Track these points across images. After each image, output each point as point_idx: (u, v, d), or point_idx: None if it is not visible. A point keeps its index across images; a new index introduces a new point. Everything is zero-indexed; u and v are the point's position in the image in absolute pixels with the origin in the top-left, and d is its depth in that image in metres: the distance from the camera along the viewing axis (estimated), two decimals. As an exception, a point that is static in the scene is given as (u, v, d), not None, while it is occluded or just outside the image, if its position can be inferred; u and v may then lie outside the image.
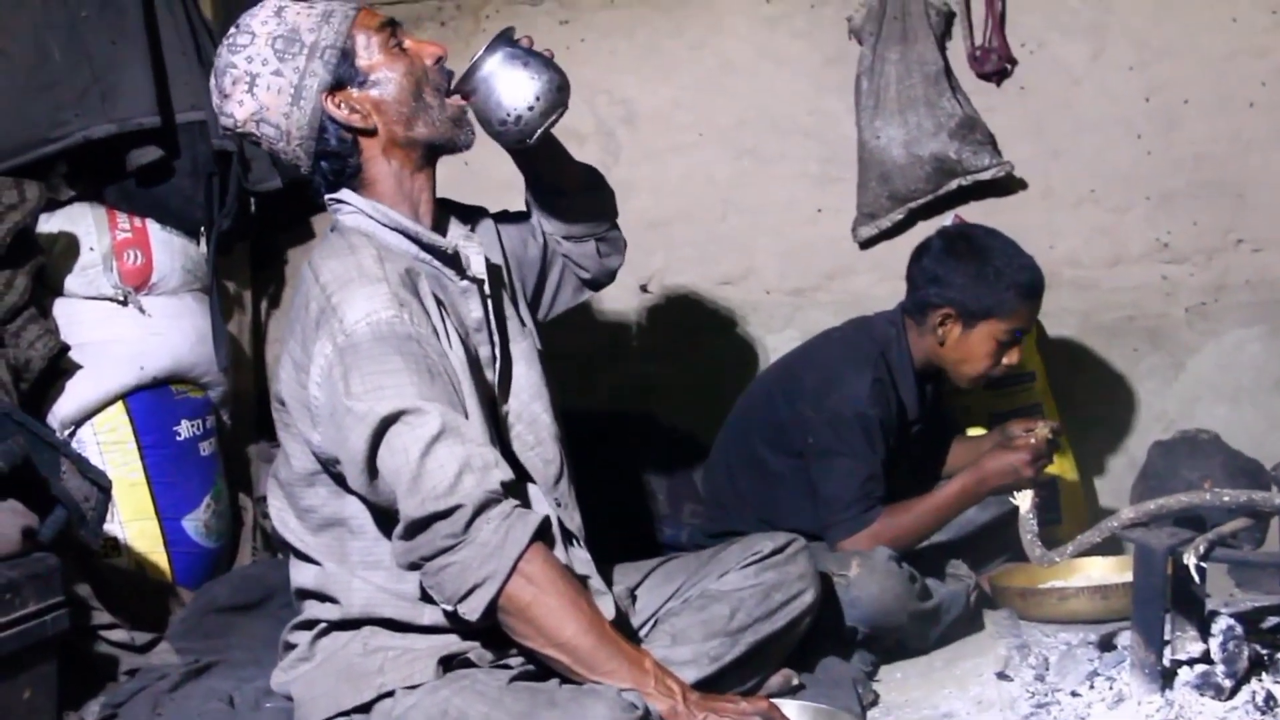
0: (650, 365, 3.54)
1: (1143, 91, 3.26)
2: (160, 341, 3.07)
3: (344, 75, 1.96)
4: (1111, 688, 2.03)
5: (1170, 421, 3.28)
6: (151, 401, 3.04)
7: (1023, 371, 3.09)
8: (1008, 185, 3.30)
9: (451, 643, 1.92)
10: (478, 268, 2.03)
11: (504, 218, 2.28)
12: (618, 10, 3.51)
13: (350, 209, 2.00)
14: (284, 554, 2.16)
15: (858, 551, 2.49)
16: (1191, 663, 1.95)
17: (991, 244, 2.71)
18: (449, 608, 1.82)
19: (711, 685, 2.01)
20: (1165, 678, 1.95)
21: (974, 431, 3.06)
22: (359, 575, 1.95)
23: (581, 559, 2.02)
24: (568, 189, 2.25)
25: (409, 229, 1.99)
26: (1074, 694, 2.09)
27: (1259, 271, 3.24)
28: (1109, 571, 2.75)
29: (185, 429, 3.09)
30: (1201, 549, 1.89)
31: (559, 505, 2.04)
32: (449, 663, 1.89)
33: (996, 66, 3.27)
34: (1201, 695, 1.91)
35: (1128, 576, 2.12)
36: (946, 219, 3.25)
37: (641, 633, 2.12)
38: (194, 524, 3.07)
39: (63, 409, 2.92)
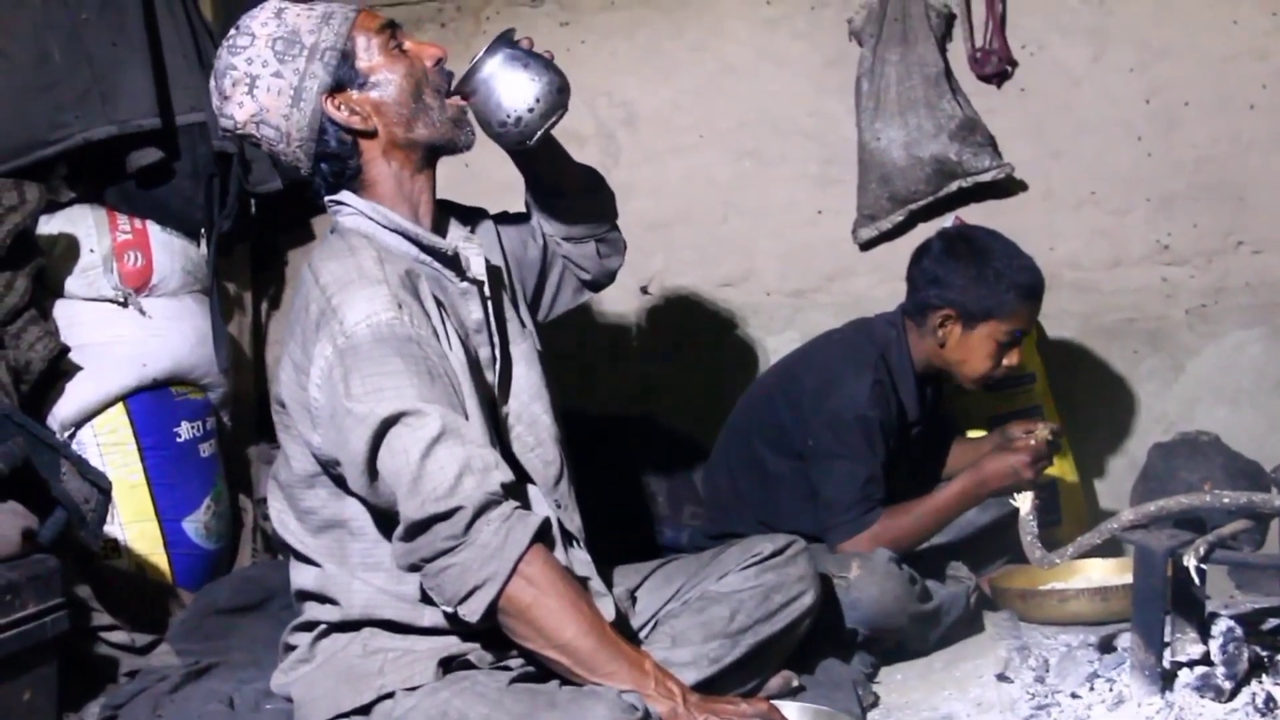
0: (650, 367, 3.54)
1: (1143, 93, 3.26)
2: (160, 343, 3.07)
3: (344, 77, 1.96)
4: (1111, 689, 2.03)
5: (1170, 423, 3.28)
6: (152, 403, 3.04)
7: (1023, 373, 3.09)
8: (1008, 187, 3.30)
9: (451, 644, 1.92)
10: (478, 269, 2.03)
11: (504, 219, 2.28)
12: (618, 12, 3.51)
13: (350, 210, 2.00)
14: (284, 555, 2.17)
15: (858, 553, 2.49)
16: (1191, 664, 1.95)
17: (992, 245, 2.71)
18: (449, 609, 1.82)
19: (711, 687, 2.01)
20: (1165, 679, 1.94)
21: (974, 433, 3.06)
22: (359, 577, 1.95)
23: (581, 560, 2.02)
24: (568, 190, 2.25)
25: (409, 230, 1.99)
26: (1074, 696, 2.09)
27: (1259, 274, 3.24)
28: (1109, 573, 2.75)
29: (185, 430, 3.09)
30: (1201, 551, 1.89)
31: (559, 507, 2.04)
32: (449, 664, 1.90)
33: (997, 68, 3.27)
34: (1201, 697, 1.91)
35: (1128, 578, 2.12)
36: (947, 221, 3.25)
37: (641, 634, 2.12)
38: (194, 525, 3.07)
39: (63, 410, 2.92)
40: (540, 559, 1.80)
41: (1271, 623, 2.28)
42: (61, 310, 3.00)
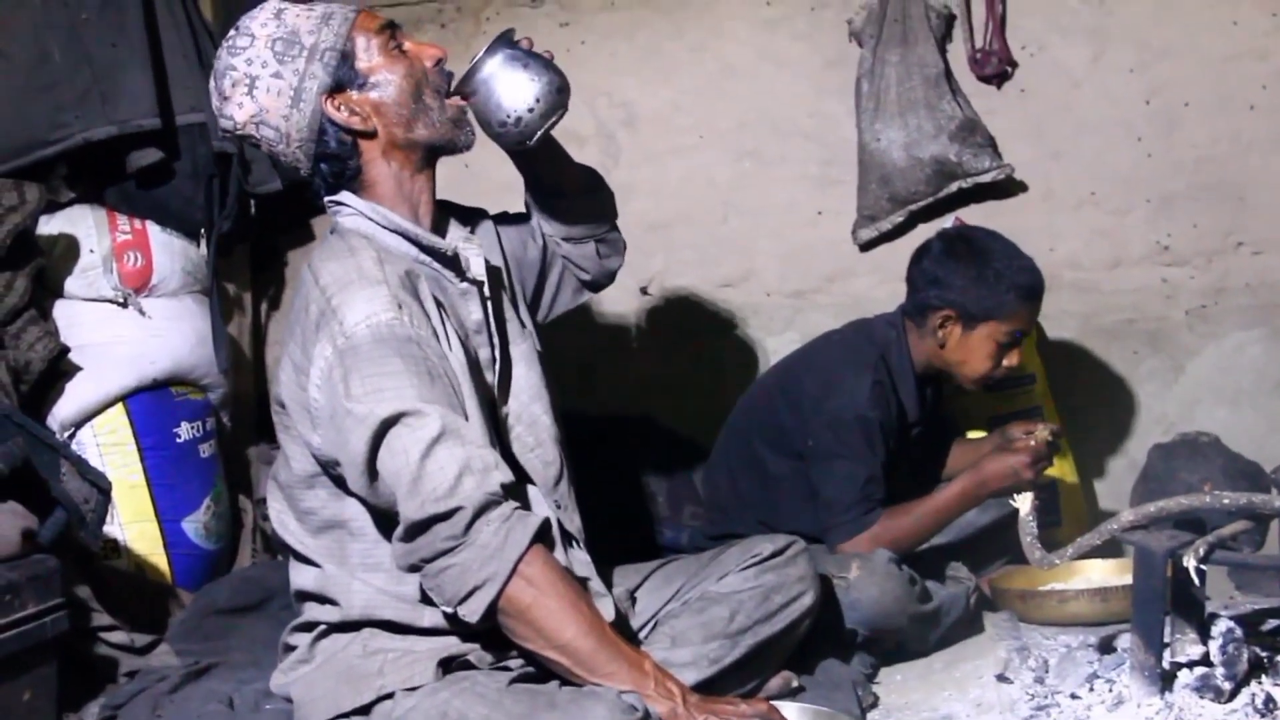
0: (650, 367, 3.54)
1: (1143, 94, 3.26)
2: (160, 343, 3.07)
3: (344, 77, 1.96)
4: (1111, 690, 2.03)
5: (1170, 424, 3.28)
6: (151, 403, 3.04)
7: (1023, 374, 3.09)
8: (1008, 188, 3.30)
9: (451, 645, 1.92)
10: (477, 269, 2.03)
11: (504, 219, 2.28)
12: (618, 13, 3.51)
13: (350, 211, 2.00)
14: (284, 556, 2.16)
15: (857, 554, 2.49)
16: (1191, 665, 1.95)
17: (992, 246, 2.71)
18: (449, 610, 1.82)
19: (711, 687, 2.01)
20: (1165, 680, 1.95)
21: (974, 434, 3.06)
22: (359, 577, 1.95)
23: (581, 561, 2.02)
24: (567, 191, 2.25)
25: (409, 231, 1.99)
26: (1073, 696, 2.09)
27: (1259, 274, 3.24)
28: (1109, 574, 2.75)
29: (185, 431, 3.09)
30: (1201, 552, 1.89)
31: (559, 507, 2.04)
32: (449, 664, 1.90)
33: (997, 69, 3.27)
34: (1201, 698, 1.91)
35: (1127, 579, 2.12)
36: (947, 221, 3.25)
37: (641, 635, 2.12)
38: (194, 526, 3.07)
39: (62, 411, 2.92)
40: (540, 559, 1.79)
41: (1271, 624, 2.28)
42: (61, 310, 3.00)
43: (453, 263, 2.02)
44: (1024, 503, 2.12)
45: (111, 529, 2.90)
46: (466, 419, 1.85)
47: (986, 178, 3.22)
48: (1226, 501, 1.98)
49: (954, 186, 3.23)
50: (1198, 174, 3.24)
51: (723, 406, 3.02)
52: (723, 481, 2.90)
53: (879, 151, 3.24)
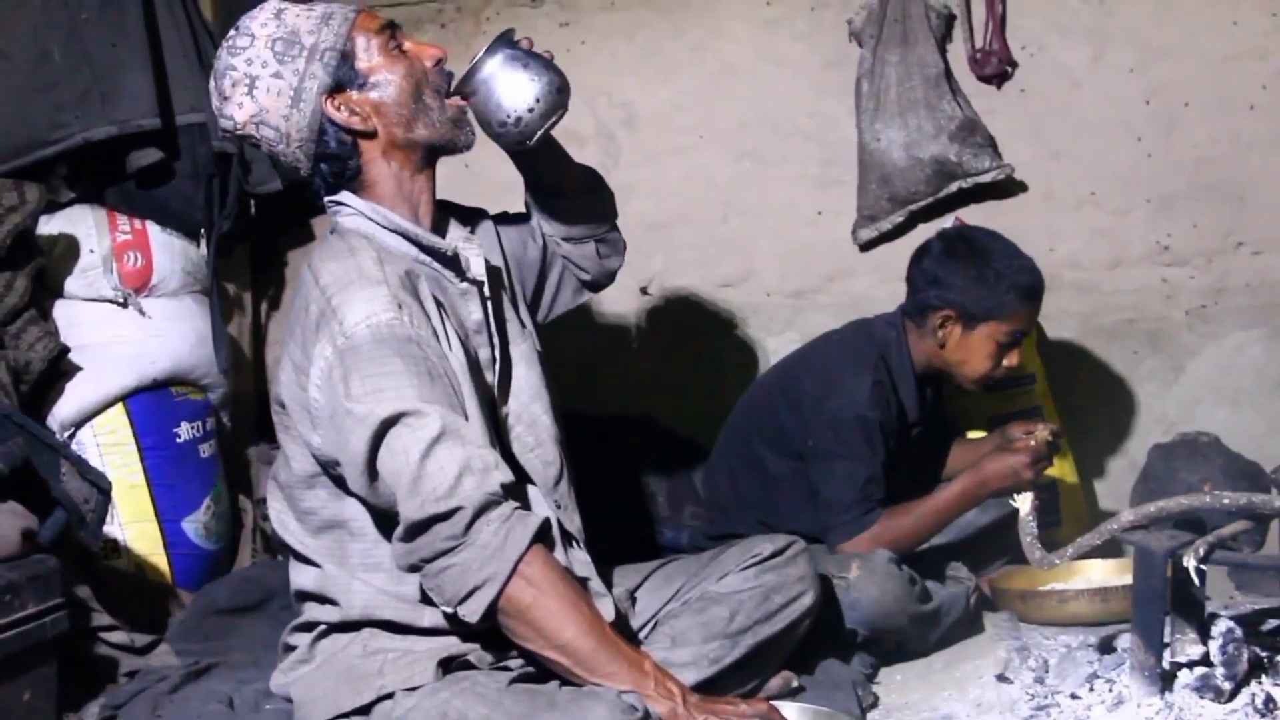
0: (650, 367, 3.54)
1: (1143, 94, 3.26)
2: (160, 343, 3.07)
3: (343, 77, 1.96)
4: (1111, 690, 2.03)
5: (1170, 424, 3.28)
6: (151, 403, 3.04)
7: (1023, 374, 3.09)
8: (1008, 188, 3.30)
9: (451, 645, 1.92)
10: (477, 269, 2.03)
11: (504, 219, 2.28)
12: (618, 13, 3.51)
13: (350, 211, 2.00)
14: (284, 556, 2.16)
15: (857, 554, 2.49)
16: (1191, 665, 1.95)
17: (992, 246, 2.71)
18: (449, 610, 1.82)
19: (711, 687, 2.01)
20: (1165, 680, 1.95)
21: (974, 434, 3.06)
22: (359, 577, 1.95)
23: (581, 561, 2.02)
24: (567, 190, 2.25)
25: (409, 231, 1.99)
26: (1073, 696, 2.09)
27: (1259, 274, 3.24)
28: (1109, 574, 2.75)
29: (185, 431, 3.09)
30: (1201, 552, 1.89)
31: (559, 507, 2.04)
32: (449, 665, 1.90)
33: (997, 69, 3.27)
34: (1201, 698, 1.91)
35: (1127, 579, 2.12)
36: (947, 221, 3.25)
37: (641, 635, 2.12)
38: (194, 526, 3.07)
39: (62, 411, 2.92)
40: (540, 559, 1.79)
41: (1271, 623, 2.28)
42: (61, 310, 3.00)
43: (453, 263, 2.02)
44: (1024, 503, 2.12)
45: (111, 529, 2.91)
46: (466, 419, 1.85)
47: (986, 178, 3.22)
48: (1226, 501, 1.98)
49: (954, 186, 3.23)
50: (1198, 174, 3.24)
51: (723, 406, 3.02)
52: (723, 481, 2.90)
53: (879, 151, 3.24)
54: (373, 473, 1.81)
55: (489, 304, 2.05)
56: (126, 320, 3.05)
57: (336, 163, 1.99)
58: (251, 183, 3.18)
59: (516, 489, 1.86)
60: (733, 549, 2.24)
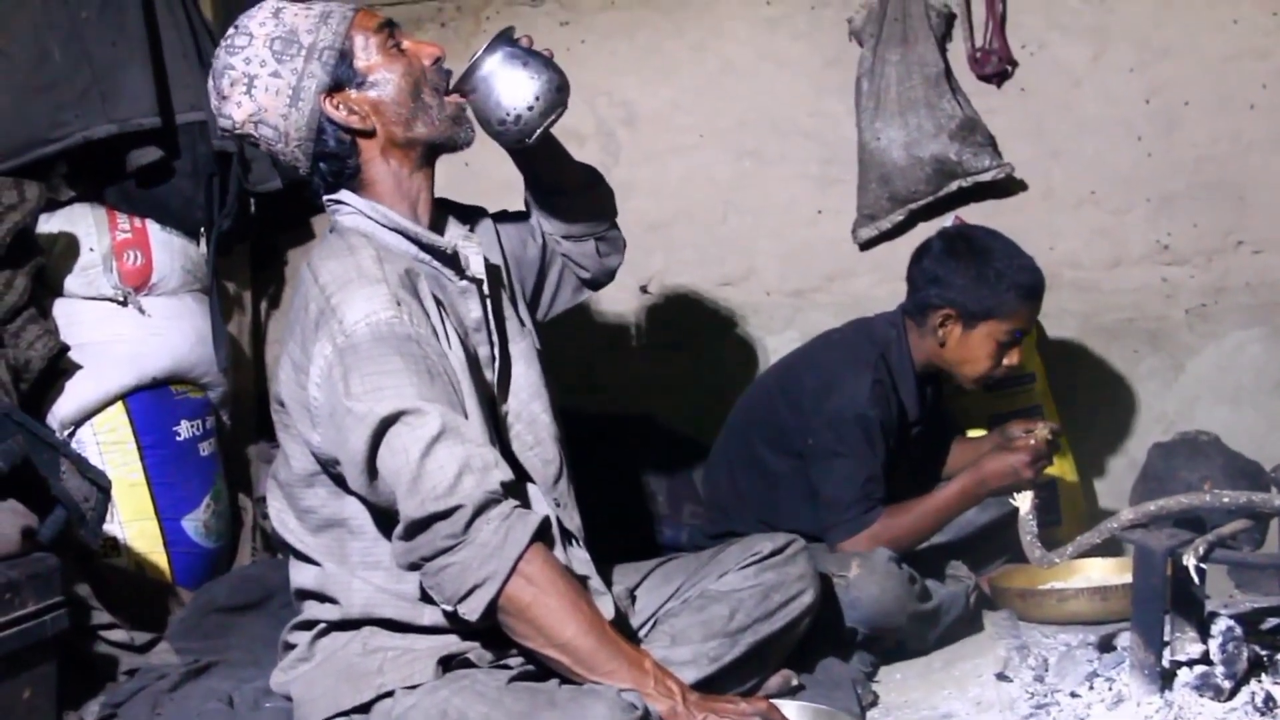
0: (650, 366, 3.54)
1: (1143, 93, 3.26)
2: (160, 342, 3.07)
3: (342, 76, 1.96)
4: (1111, 689, 2.03)
5: (1170, 423, 3.28)
6: (151, 402, 3.04)
7: (1023, 373, 3.09)
8: (1008, 187, 3.31)
9: (451, 643, 1.92)
10: (477, 267, 2.03)
11: (503, 217, 2.28)
12: (618, 11, 3.51)
13: (349, 210, 2.00)
14: (283, 554, 2.16)
15: (857, 552, 2.49)
16: (1191, 664, 1.95)
17: (992, 245, 2.71)
18: (449, 608, 1.82)
19: (711, 686, 2.01)
20: (1164, 679, 1.94)
21: (974, 433, 3.06)
22: (359, 575, 1.95)
23: (581, 559, 2.02)
24: (567, 188, 2.25)
25: (408, 229, 1.99)
26: (1073, 695, 2.09)
27: (1259, 273, 3.24)
28: (1108, 573, 2.75)
29: (185, 429, 3.09)
30: (1201, 550, 1.89)
31: (558, 505, 2.04)
32: (448, 663, 1.90)
33: (997, 68, 3.28)
34: (1201, 696, 1.91)
35: (1127, 578, 2.12)
36: (947, 220, 3.25)
37: (641, 633, 2.12)
38: (193, 524, 3.07)
39: (62, 409, 2.93)
40: (540, 558, 1.79)
41: (1271, 622, 2.27)
42: (61, 309, 3.00)
43: (452, 261, 2.02)
44: (1024, 501, 2.12)
45: (111, 527, 2.91)
46: (466, 417, 1.85)
47: (986, 177, 3.22)
48: (1226, 500, 1.98)
49: (954, 185, 3.23)
50: (1198, 173, 3.24)
51: (723, 405, 3.02)
52: (722, 480, 2.90)
53: (879, 150, 3.24)
54: (372, 471, 1.81)
55: (488, 302, 2.05)
56: (126, 319, 3.05)
57: (335, 161, 1.99)
58: (251, 181, 3.18)
59: (516, 487, 1.86)
60: (732, 547, 2.24)
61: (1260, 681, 1.94)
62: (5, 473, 2.24)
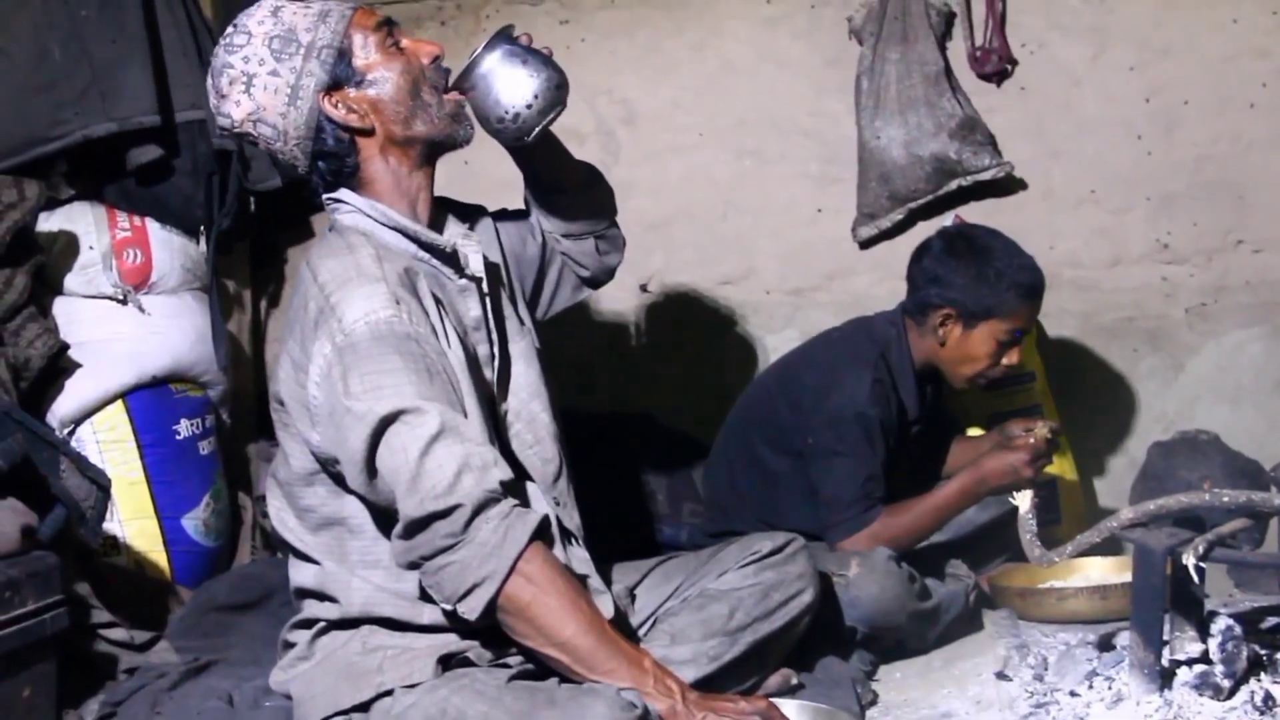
0: (650, 365, 3.54)
1: (1143, 92, 3.26)
2: (160, 340, 3.07)
3: (341, 75, 1.96)
4: (1110, 688, 2.03)
5: (1170, 422, 3.28)
6: (151, 400, 3.04)
7: (1023, 372, 3.09)
8: (1008, 186, 3.31)
9: (450, 642, 1.92)
10: (476, 266, 2.03)
11: (503, 216, 2.28)
12: (618, 10, 3.51)
13: (348, 208, 2.00)
14: (283, 553, 2.16)
15: (857, 551, 2.49)
16: (1190, 663, 1.95)
17: (992, 244, 2.71)
18: (448, 607, 1.82)
19: (710, 684, 2.01)
20: (1164, 678, 1.94)
21: (974, 432, 3.06)
22: (358, 574, 1.95)
23: (580, 558, 2.02)
24: (567, 187, 2.25)
25: (407, 228, 1.98)
26: (1073, 694, 2.09)
27: (1259, 272, 3.24)
28: (1108, 572, 2.75)
29: (185, 428, 3.09)
30: (1201, 549, 1.89)
31: (558, 504, 2.04)
32: (448, 662, 1.89)
33: (997, 67, 3.28)
34: (1200, 695, 1.91)
35: (1127, 577, 2.12)
36: (947, 219, 3.25)
37: (640, 632, 2.12)
38: (193, 523, 3.07)
39: (62, 408, 2.92)
40: (539, 557, 1.79)
41: (1270, 621, 2.27)
42: (61, 307, 3.00)
43: (451, 259, 2.01)
44: (1023, 500, 2.13)
45: (111, 526, 2.90)
46: (465, 416, 1.85)
47: (986, 175, 3.22)
48: (1226, 499, 1.98)
49: (954, 184, 3.23)
50: (1198, 172, 3.24)
51: (722, 404, 3.02)
52: (722, 479, 2.90)
53: (879, 149, 3.24)
54: (372, 470, 1.81)
55: (487, 301, 2.05)
56: (126, 317, 3.05)
57: (334, 160, 1.99)
58: (251, 180, 3.18)
59: (515, 486, 1.86)
60: (732, 546, 2.24)
61: (1260, 680, 1.95)
62: (5, 471, 2.24)
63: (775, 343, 3.44)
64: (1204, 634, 1.96)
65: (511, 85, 1.99)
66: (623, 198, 2.38)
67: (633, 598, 2.17)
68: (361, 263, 1.89)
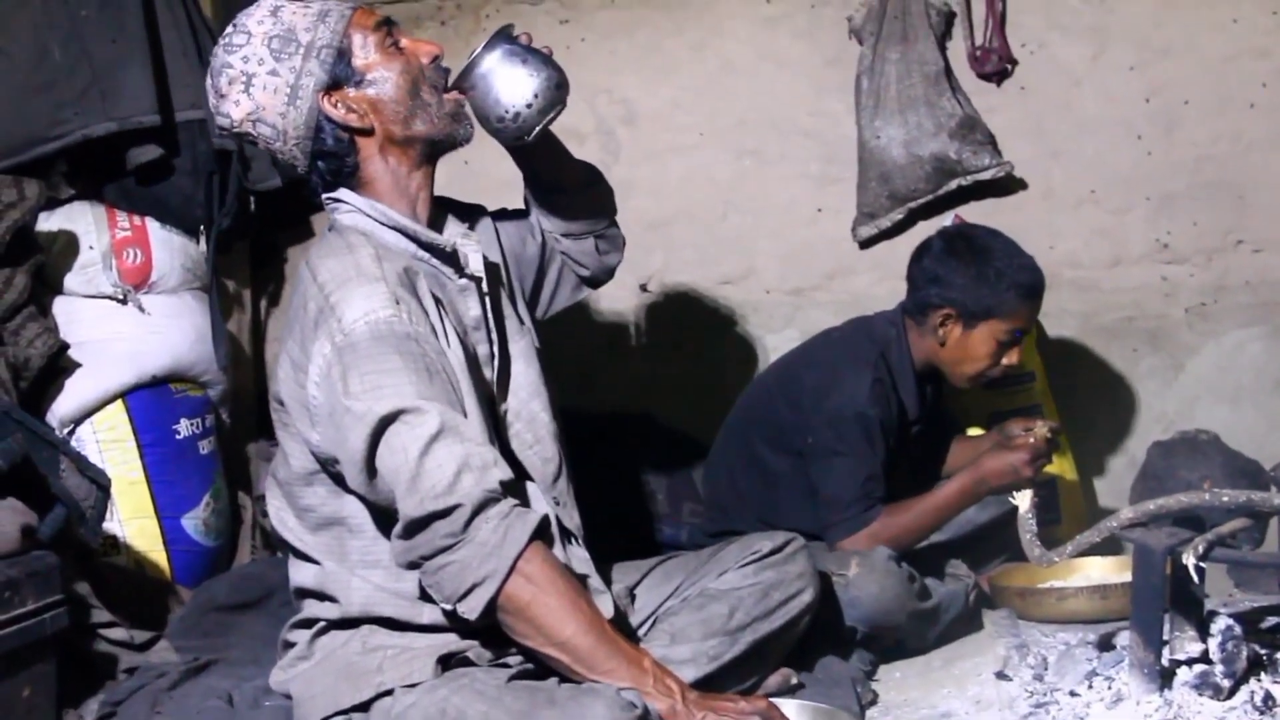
0: (650, 364, 3.54)
1: (1143, 92, 3.26)
2: (159, 340, 3.07)
3: (340, 75, 1.96)
4: (1110, 687, 2.03)
5: (1170, 422, 3.28)
6: (151, 400, 3.04)
7: (1022, 372, 3.09)
8: (1008, 185, 3.30)
9: (450, 641, 1.92)
10: (475, 266, 2.03)
11: (503, 215, 2.28)
12: (618, 10, 3.51)
13: (348, 208, 2.00)
14: (283, 553, 2.16)
15: (857, 551, 2.49)
16: (1190, 662, 1.95)
17: (992, 244, 2.71)
18: (448, 607, 1.82)
19: (710, 684, 2.01)
20: (1164, 677, 1.94)
21: (974, 431, 3.06)
22: (358, 574, 1.95)
23: (580, 558, 2.02)
24: (566, 186, 2.25)
25: (407, 227, 1.98)
26: (1072, 694, 2.09)
27: (1259, 272, 3.24)
28: (1108, 571, 2.75)
29: (184, 427, 3.09)
30: (1200, 549, 1.89)
31: (557, 504, 2.04)
32: (448, 661, 1.89)
33: (997, 67, 3.28)
34: (1200, 695, 1.91)
35: (1127, 576, 2.12)
36: (946, 219, 3.25)
37: (640, 632, 2.12)
38: (193, 522, 3.07)
39: (62, 407, 2.92)
40: (539, 556, 1.79)
41: (1270, 621, 2.27)
42: (61, 307, 3.00)
43: (451, 259, 2.01)
44: (1023, 500, 2.13)
45: (111, 526, 2.90)
46: (465, 416, 1.85)
47: (986, 175, 3.22)
48: (1226, 499, 1.98)
49: (954, 184, 3.23)
50: (1198, 172, 3.24)
51: (722, 404, 3.02)
52: (722, 479, 2.90)
53: (879, 149, 3.24)
54: (371, 470, 1.81)
55: (487, 300, 2.05)
56: (126, 317, 3.05)
57: (334, 160, 1.99)
58: (251, 179, 3.18)
59: (515, 486, 1.86)
60: (732, 546, 2.24)
61: (1259, 680, 1.94)
62: (5, 471, 2.24)
63: (775, 343, 3.44)
64: (1204, 634, 1.96)
65: (511, 85, 1.99)
66: (623, 197, 2.38)
67: (633, 597, 2.17)
68: (361, 262, 1.89)
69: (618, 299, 3.49)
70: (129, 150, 3.01)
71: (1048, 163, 3.31)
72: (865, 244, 3.38)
